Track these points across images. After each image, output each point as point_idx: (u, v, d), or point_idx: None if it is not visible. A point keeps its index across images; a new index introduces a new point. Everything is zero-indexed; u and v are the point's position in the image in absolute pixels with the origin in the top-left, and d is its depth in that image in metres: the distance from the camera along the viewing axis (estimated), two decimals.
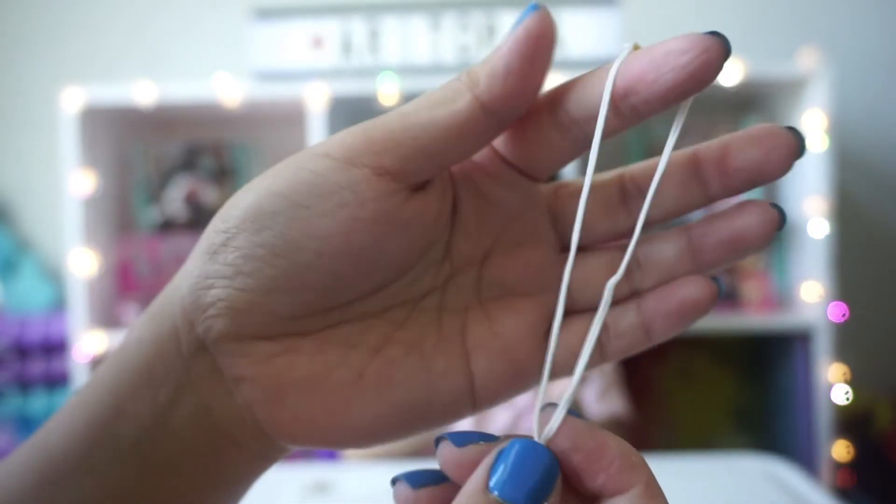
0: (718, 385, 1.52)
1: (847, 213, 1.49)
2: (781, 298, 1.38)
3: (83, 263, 1.32)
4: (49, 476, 0.24)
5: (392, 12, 1.35)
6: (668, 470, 0.78)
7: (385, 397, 0.24)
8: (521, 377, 0.25)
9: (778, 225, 0.24)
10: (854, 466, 1.33)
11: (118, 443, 0.24)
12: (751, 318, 1.33)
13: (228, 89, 1.32)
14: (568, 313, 0.25)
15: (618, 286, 0.24)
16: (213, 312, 0.23)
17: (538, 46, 0.23)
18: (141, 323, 0.25)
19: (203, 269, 0.23)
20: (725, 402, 1.52)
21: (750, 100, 1.52)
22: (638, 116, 0.24)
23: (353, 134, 0.24)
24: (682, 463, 0.81)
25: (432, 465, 0.23)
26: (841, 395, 1.29)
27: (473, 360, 0.25)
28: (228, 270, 0.23)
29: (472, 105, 0.23)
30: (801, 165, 1.34)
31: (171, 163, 1.47)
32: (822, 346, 1.28)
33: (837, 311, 1.28)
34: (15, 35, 1.70)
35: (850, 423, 1.38)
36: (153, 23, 1.68)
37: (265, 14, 1.36)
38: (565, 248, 0.25)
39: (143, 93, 1.32)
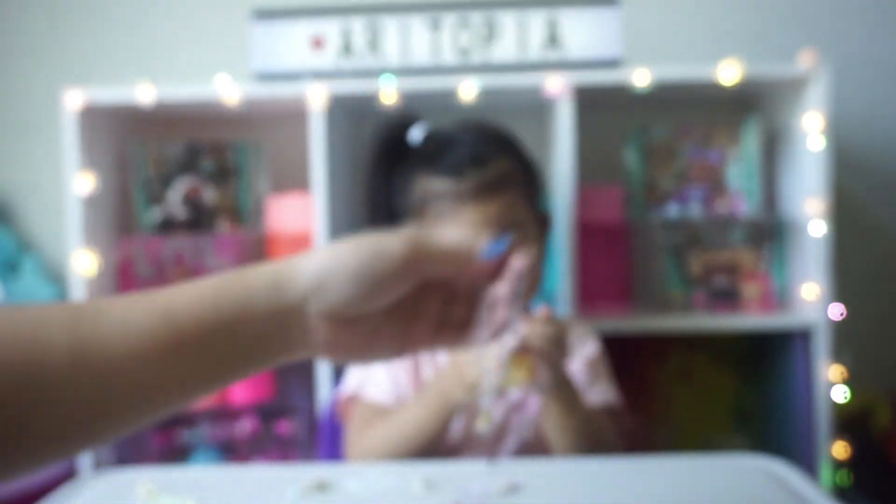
0: (718, 385, 1.52)
1: (845, 213, 1.49)
2: (780, 298, 1.38)
3: (84, 263, 1.32)
4: (175, 339, 0.42)
5: (392, 13, 1.35)
6: (668, 470, 0.78)
7: (384, 344, 0.50)
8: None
9: None
10: (853, 466, 1.33)
11: (232, 338, 0.44)
12: (750, 318, 1.33)
13: (229, 90, 1.32)
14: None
15: None
16: (319, 305, 0.46)
17: None
18: (262, 289, 0.45)
19: (316, 283, 0.46)
20: (725, 402, 1.52)
21: (749, 100, 1.52)
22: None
23: (407, 254, 0.47)
24: (681, 463, 0.81)
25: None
26: (840, 394, 1.29)
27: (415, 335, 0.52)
28: (332, 292, 0.46)
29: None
30: (800, 166, 1.34)
31: (172, 163, 1.47)
32: (822, 345, 1.28)
33: (835, 311, 1.28)
34: (17, 37, 1.70)
35: (849, 422, 1.38)
36: (154, 24, 1.68)
37: (265, 15, 1.36)
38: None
39: (144, 94, 1.32)
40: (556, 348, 0.79)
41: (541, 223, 0.96)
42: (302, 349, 0.47)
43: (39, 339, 0.39)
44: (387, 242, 0.47)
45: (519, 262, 0.49)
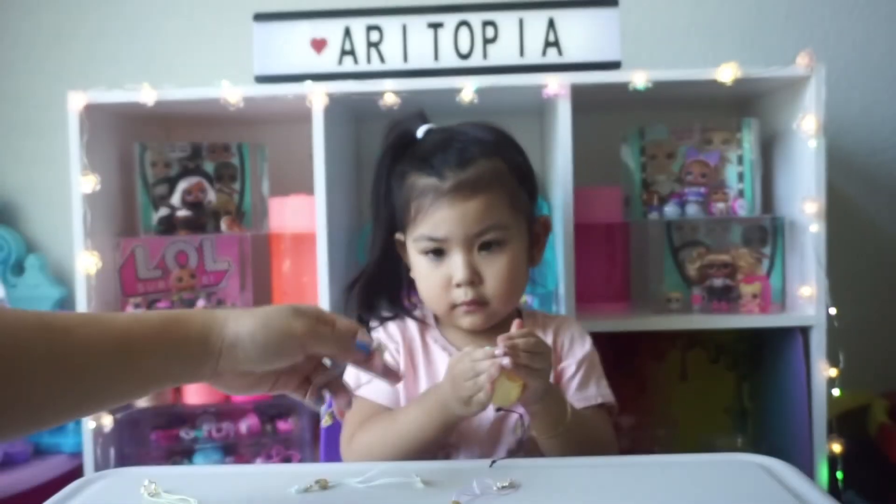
0: (716, 384, 1.53)
1: (842, 213, 1.50)
2: (778, 298, 1.39)
3: (88, 263, 1.33)
4: (128, 359, 0.59)
5: (392, 15, 1.36)
6: (667, 469, 0.79)
7: (263, 386, 0.71)
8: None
9: None
10: (849, 464, 1.34)
11: (167, 365, 0.62)
12: (748, 318, 1.34)
13: (231, 92, 1.33)
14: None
15: None
16: (229, 360, 0.64)
17: None
18: (194, 340, 0.63)
19: (229, 345, 0.64)
20: (722, 401, 1.53)
21: (746, 102, 1.53)
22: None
23: (306, 333, 0.67)
24: (679, 462, 0.82)
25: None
26: (837, 393, 1.30)
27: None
28: (240, 353, 0.64)
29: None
30: (797, 167, 1.35)
31: (175, 164, 1.48)
32: (819, 345, 1.29)
33: (831, 310, 1.29)
34: (21, 39, 1.71)
35: (846, 421, 1.39)
36: (157, 27, 1.69)
37: (267, 17, 1.37)
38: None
39: (147, 96, 1.33)
40: (534, 359, 0.80)
41: (535, 226, 0.96)
42: (208, 381, 0.66)
43: (18, 344, 0.53)
44: (291, 323, 0.65)
45: (378, 360, 0.73)
